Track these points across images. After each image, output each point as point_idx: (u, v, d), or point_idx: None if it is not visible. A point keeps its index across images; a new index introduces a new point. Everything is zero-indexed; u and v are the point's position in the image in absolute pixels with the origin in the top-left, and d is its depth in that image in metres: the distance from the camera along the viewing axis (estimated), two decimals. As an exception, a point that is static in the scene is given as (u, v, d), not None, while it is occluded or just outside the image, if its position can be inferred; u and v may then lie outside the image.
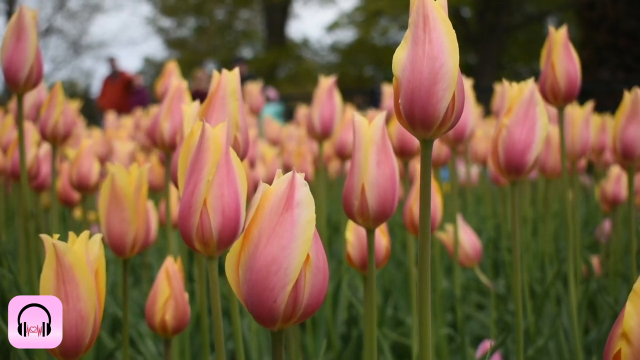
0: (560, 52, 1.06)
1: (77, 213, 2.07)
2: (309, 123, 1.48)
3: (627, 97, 1.13)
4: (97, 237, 0.64)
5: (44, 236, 0.61)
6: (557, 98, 1.07)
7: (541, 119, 0.80)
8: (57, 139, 1.21)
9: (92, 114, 6.60)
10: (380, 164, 0.71)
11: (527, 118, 0.80)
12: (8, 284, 1.25)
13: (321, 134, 1.47)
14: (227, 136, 0.61)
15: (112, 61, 7.57)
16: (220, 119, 0.79)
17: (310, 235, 0.46)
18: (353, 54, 17.05)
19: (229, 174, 0.61)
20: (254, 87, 2.71)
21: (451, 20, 0.53)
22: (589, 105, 1.46)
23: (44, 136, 1.22)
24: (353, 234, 0.96)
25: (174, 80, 1.13)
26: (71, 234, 0.63)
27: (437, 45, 0.52)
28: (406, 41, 0.53)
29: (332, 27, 17.52)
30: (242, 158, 0.83)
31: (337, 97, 1.47)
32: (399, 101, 0.54)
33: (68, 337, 0.60)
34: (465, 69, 13.56)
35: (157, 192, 1.95)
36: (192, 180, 0.61)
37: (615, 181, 1.82)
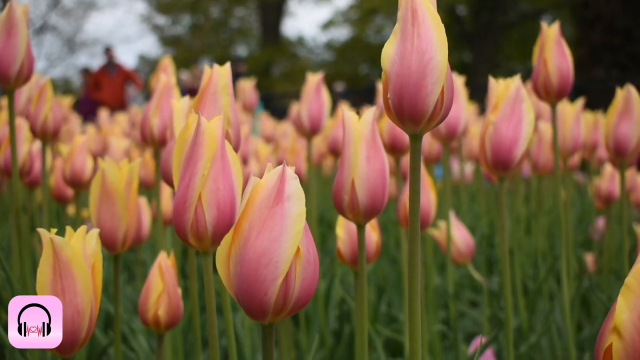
0: (553, 49, 1.06)
1: (71, 210, 2.06)
2: (297, 120, 1.48)
3: (619, 94, 1.14)
4: (95, 232, 0.63)
5: (41, 231, 0.60)
6: (549, 94, 1.08)
7: (528, 116, 0.80)
8: (46, 135, 1.21)
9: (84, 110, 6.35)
10: (370, 159, 0.71)
11: (514, 114, 0.80)
12: (1, 281, 1.24)
13: (310, 131, 1.46)
14: (222, 130, 0.61)
15: (108, 51, 7.16)
16: (212, 114, 0.79)
17: (301, 229, 0.46)
18: (348, 52, 17.06)
19: (224, 168, 0.61)
20: (248, 85, 2.71)
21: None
22: (580, 102, 1.46)
23: (34, 132, 1.21)
24: (343, 229, 0.96)
25: (162, 76, 1.12)
26: (68, 229, 0.62)
27: (426, 39, 0.52)
28: (395, 36, 0.53)
29: (327, 25, 17.53)
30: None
31: (325, 93, 1.47)
32: (388, 96, 0.53)
33: (64, 332, 0.60)
34: (461, 67, 13.56)
35: (151, 189, 1.94)
36: (187, 174, 0.61)
37: (610, 179, 1.82)
